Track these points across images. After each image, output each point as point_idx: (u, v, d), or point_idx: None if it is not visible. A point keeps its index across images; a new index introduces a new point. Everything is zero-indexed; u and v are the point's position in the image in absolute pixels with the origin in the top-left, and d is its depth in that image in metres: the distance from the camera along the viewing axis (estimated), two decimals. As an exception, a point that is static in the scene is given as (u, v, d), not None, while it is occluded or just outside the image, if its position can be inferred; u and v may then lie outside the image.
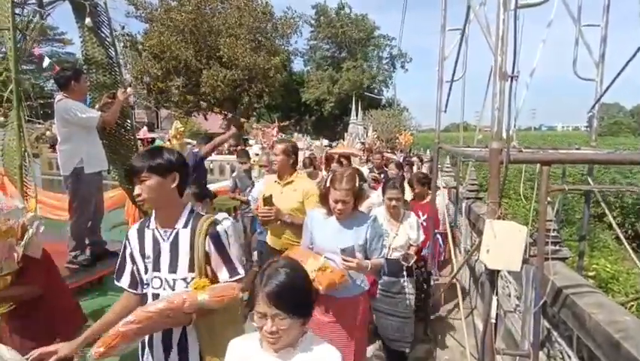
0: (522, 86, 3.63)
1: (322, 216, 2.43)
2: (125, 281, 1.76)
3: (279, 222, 2.95)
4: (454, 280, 3.83)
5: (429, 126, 37.44)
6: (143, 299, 1.71)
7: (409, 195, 4.50)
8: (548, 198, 2.51)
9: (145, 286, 1.71)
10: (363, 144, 11.86)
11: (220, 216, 2.77)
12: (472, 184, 5.46)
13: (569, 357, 2.28)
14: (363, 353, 2.67)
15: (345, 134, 18.18)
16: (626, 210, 8.46)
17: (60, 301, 2.24)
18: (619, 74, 3.05)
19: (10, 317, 2.07)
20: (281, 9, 24.98)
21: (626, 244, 3.28)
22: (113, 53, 4.32)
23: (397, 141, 15.77)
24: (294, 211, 3.00)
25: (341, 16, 36.60)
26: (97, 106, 3.95)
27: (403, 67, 39.37)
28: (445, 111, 3.92)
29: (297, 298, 1.21)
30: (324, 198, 2.39)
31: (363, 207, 3.36)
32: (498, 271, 1.91)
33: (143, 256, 1.70)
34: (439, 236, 4.55)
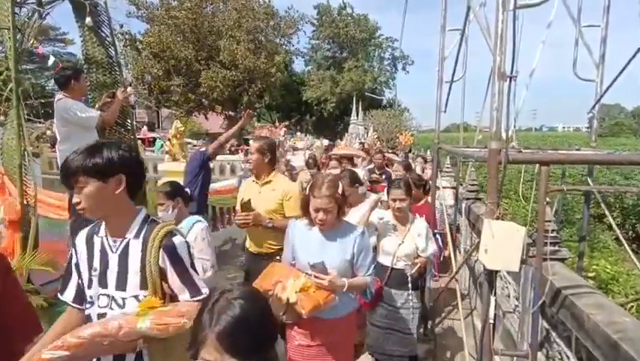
0: (522, 86, 3.63)
1: (305, 228, 2.20)
2: (69, 295, 1.52)
3: (260, 227, 2.80)
4: (454, 281, 3.83)
5: (429, 127, 37.47)
6: (88, 318, 1.47)
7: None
8: (547, 199, 2.51)
9: (89, 305, 1.46)
10: (362, 144, 11.85)
11: (191, 220, 2.67)
12: (472, 185, 5.45)
13: (568, 358, 2.28)
14: None
15: (346, 134, 18.20)
16: (626, 212, 8.45)
17: (14, 309, 2.13)
18: (619, 74, 3.04)
19: None
20: (281, 9, 24.80)
21: (625, 245, 3.28)
22: (113, 53, 4.33)
23: (397, 141, 15.77)
24: (273, 213, 2.86)
25: (343, 16, 36.62)
26: (97, 105, 3.94)
27: (404, 69, 39.43)
28: (445, 111, 3.92)
29: (258, 338, 0.93)
30: (304, 208, 2.17)
31: (363, 212, 3.19)
32: (496, 272, 1.91)
33: (90, 267, 1.46)
34: (438, 236, 4.55)
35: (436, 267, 4.54)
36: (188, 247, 1.52)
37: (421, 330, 3.96)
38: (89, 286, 1.45)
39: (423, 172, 6.77)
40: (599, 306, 2.05)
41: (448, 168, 7.78)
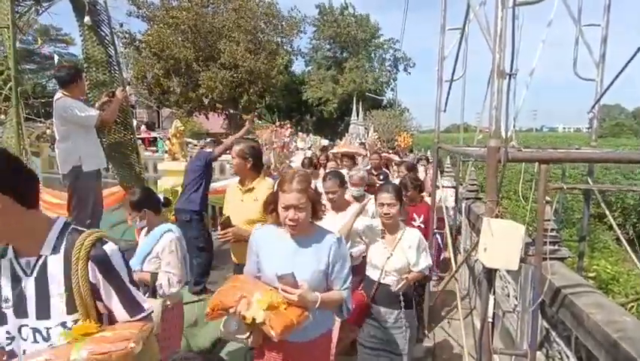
0: (522, 85, 3.63)
1: (271, 234, 1.90)
2: None
3: (242, 241, 2.52)
4: (454, 280, 3.82)
5: (429, 127, 37.48)
6: (12, 356, 1.23)
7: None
8: (547, 198, 2.50)
9: (8, 341, 1.20)
10: (362, 144, 11.84)
11: (161, 229, 2.51)
12: (472, 184, 5.44)
13: (567, 357, 2.27)
14: None
15: (346, 134, 18.19)
16: (627, 211, 8.44)
17: None
18: (619, 74, 3.03)
19: None
20: (284, 8, 24.78)
21: (626, 245, 3.27)
22: (113, 52, 4.34)
23: (396, 143, 15.75)
24: (254, 224, 2.58)
25: (345, 16, 36.65)
26: (96, 105, 3.95)
27: (405, 70, 39.47)
28: (445, 111, 3.92)
29: None
30: (271, 208, 1.87)
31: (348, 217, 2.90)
32: (496, 270, 1.90)
33: None
34: (438, 236, 4.55)
35: (436, 267, 4.54)
36: (124, 255, 1.27)
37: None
38: (3, 322, 1.19)
39: (427, 174, 6.72)
40: (599, 305, 2.04)
41: (448, 168, 7.77)
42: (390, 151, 11.98)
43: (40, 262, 1.19)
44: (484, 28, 2.40)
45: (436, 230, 4.27)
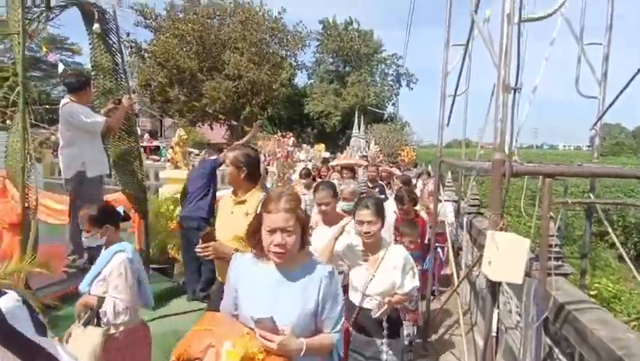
0: (524, 101, 3.66)
1: (253, 263, 1.62)
2: None
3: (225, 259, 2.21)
4: (455, 296, 3.79)
5: (429, 142, 37.59)
6: None
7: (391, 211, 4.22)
8: (550, 213, 2.50)
9: None
10: (365, 156, 11.86)
11: (113, 249, 2.32)
12: (474, 199, 5.44)
13: (571, 375, 2.24)
14: None
15: (347, 147, 18.24)
16: (628, 230, 8.41)
17: None
18: (620, 93, 3.07)
19: None
20: (288, 22, 25.14)
21: (629, 263, 3.25)
22: (120, 60, 4.39)
23: (400, 157, 15.75)
24: (243, 241, 2.15)
25: (349, 31, 37.16)
26: (102, 111, 3.99)
27: (408, 85, 39.83)
28: (448, 125, 3.95)
29: None
30: (252, 234, 1.60)
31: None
32: (499, 284, 1.89)
33: None
34: (440, 250, 4.53)
35: (437, 281, 4.51)
36: (27, 303, 0.97)
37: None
38: None
39: (424, 187, 6.71)
40: (603, 322, 2.02)
41: (449, 182, 7.77)
42: (392, 165, 11.98)
43: None
44: (488, 43, 2.44)
45: (437, 244, 4.27)
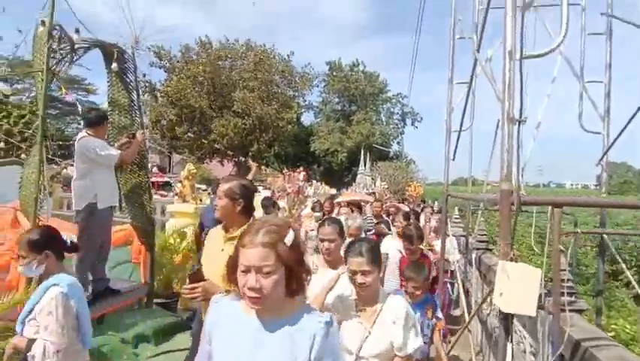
0: (528, 137, 3.73)
1: (233, 309, 1.35)
2: None
3: None
4: (467, 335, 3.67)
5: (435, 179, 37.63)
6: None
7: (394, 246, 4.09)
8: (560, 247, 2.48)
9: None
10: (372, 193, 11.88)
11: (48, 283, 2.08)
12: (482, 235, 5.39)
13: (592, 418, 2.12)
14: None
15: (353, 183, 18.34)
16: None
17: None
18: (625, 127, 3.12)
19: None
20: (296, 63, 26.17)
21: None
22: (135, 97, 4.58)
23: (407, 193, 15.79)
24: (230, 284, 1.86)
25: (354, 72, 38.43)
26: (116, 145, 4.11)
27: (413, 124, 40.58)
28: (454, 159, 4.00)
29: None
30: (231, 272, 1.32)
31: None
32: (512, 317, 1.85)
33: None
34: (449, 285, 4.44)
35: (445, 322, 4.36)
36: None
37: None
38: None
39: (428, 222, 6.64)
40: (621, 358, 1.95)
41: (457, 219, 7.73)
42: (401, 201, 11.95)
43: None
44: (491, 79, 2.52)
45: (445, 280, 4.18)
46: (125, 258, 4.93)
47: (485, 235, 5.38)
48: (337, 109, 40.04)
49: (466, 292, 5.23)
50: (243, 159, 21.07)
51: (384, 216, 6.72)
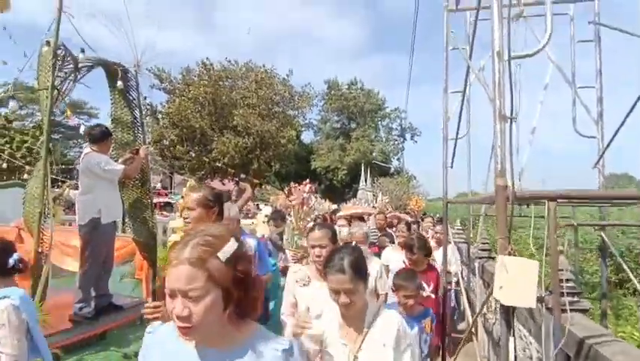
0: (525, 143, 3.78)
1: (169, 339, 1.13)
2: None
3: None
4: (475, 343, 3.64)
5: (436, 195, 37.63)
6: None
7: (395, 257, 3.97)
8: (560, 247, 2.49)
9: None
10: (373, 208, 11.87)
11: (4, 291, 1.98)
12: (484, 243, 5.38)
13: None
14: None
15: (354, 199, 18.35)
16: (648, 276, 8.08)
17: None
18: (618, 129, 3.18)
19: None
20: (295, 83, 26.47)
21: None
22: (138, 114, 4.68)
23: (409, 207, 15.79)
24: None
25: (352, 90, 38.98)
26: (120, 160, 4.18)
27: (412, 138, 40.89)
28: (452, 167, 4.04)
29: None
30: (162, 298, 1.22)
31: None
32: (513, 310, 1.85)
33: None
34: (453, 293, 4.41)
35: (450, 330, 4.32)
36: None
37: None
38: None
39: (427, 234, 6.59)
40: (626, 353, 1.94)
41: (459, 229, 7.72)
42: (403, 211, 11.91)
43: None
44: (484, 84, 2.60)
45: (449, 287, 4.16)
46: (129, 273, 4.93)
47: (487, 243, 5.37)
48: (337, 127, 40.44)
49: (470, 303, 5.19)
50: (244, 177, 21.15)
51: (387, 229, 6.71)
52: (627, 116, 3.03)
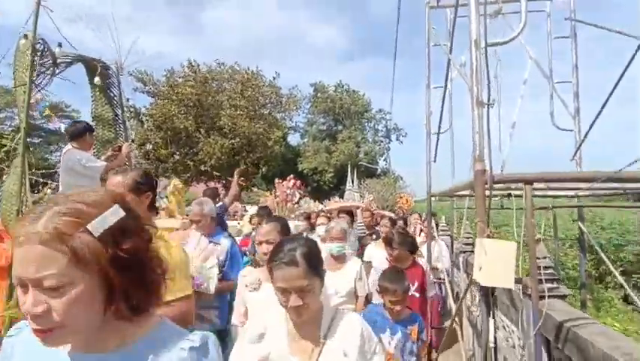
0: (505, 136, 3.86)
1: (34, 344, 0.77)
2: None
3: None
4: (460, 340, 3.69)
5: (424, 196, 37.90)
6: None
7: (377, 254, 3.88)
8: (538, 236, 2.55)
9: None
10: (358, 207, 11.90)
11: None
12: (468, 237, 5.46)
13: (579, 398, 2.14)
14: None
15: (341, 200, 18.38)
16: (628, 267, 8.30)
17: None
18: (594, 120, 3.27)
19: None
20: (282, 85, 26.39)
21: (636, 299, 3.22)
22: (120, 112, 4.61)
23: (398, 205, 15.85)
24: None
25: (338, 92, 39.17)
26: (102, 158, 4.11)
27: (398, 139, 41.21)
28: (435, 161, 4.10)
29: None
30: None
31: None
32: (493, 291, 1.89)
33: None
34: (437, 286, 4.46)
35: (437, 319, 4.36)
36: None
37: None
38: None
39: (414, 229, 6.62)
40: (603, 334, 1.99)
41: (444, 226, 7.81)
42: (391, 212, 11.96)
43: None
44: (463, 76, 2.64)
45: (435, 280, 4.21)
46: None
47: (471, 237, 5.45)
48: (323, 129, 40.54)
49: (456, 297, 5.25)
50: (231, 179, 20.93)
51: (375, 227, 6.68)
52: (602, 108, 3.13)
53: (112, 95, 4.50)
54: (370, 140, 40.17)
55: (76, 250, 0.71)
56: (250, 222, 6.63)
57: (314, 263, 1.38)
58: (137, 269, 0.79)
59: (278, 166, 32.79)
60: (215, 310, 2.99)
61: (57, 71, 3.78)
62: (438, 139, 4.07)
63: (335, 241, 3.06)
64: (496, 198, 3.61)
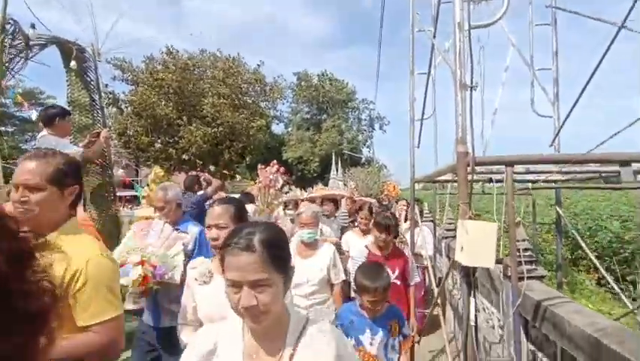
0: (487, 123, 3.91)
1: None
2: None
3: None
4: (442, 324, 3.78)
5: (407, 185, 38.37)
6: None
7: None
8: (518, 218, 2.60)
9: None
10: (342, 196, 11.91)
11: None
12: (450, 223, 5.55)
13: (555, 373, 2.23)
14: None
15: (325, 187, 18.41)
16: (599, 251, 8.62)
17: None
18: (573, 107, 3.33)
19: None
20: (266, 74, 26.03)
21: (612, 282, 3.35)
22: (97, 97, 4.47)
23: (384, 193, 15.90)
24: None
25: (322, 81, 38.96)
26: (80, 144, 3.98)
27: (381, 128, 41.38)
28: (419, 147, 4.13)
29: None
30: None
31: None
32: (474, 271, 1.93)
33: None
34: (420, 272, 4.52)
35: (421, 304, 4.43)
36: None
37: None
38: None
39: (399, 215, 6.67)
40: (578, 312, 2.06)
41: (427, 213, 7.92)
42: (377, 201, 11.96)
43: None
44: (448, 62, 2.65)
45: (417, 265, 4.26)
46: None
47: (453, 223, 5.55)
48: (307, 117, 40.37)
49: (438, 282, 5.35)
50: (214, 169, 20.68)
51: (356, 214, 6.69)
52: (580, 96, 3.19)
53: (89, 79, 4.34)
54: (354, 128, 40.25)
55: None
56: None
57: (276, 254, 1.08)
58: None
59: (262, 155, 32.61)
60: None
61: (30, 55, 3.62)
62: (422, 125, 4.10)
63: (306, 227, 2.86)
64: (478, 184, 3.67)
